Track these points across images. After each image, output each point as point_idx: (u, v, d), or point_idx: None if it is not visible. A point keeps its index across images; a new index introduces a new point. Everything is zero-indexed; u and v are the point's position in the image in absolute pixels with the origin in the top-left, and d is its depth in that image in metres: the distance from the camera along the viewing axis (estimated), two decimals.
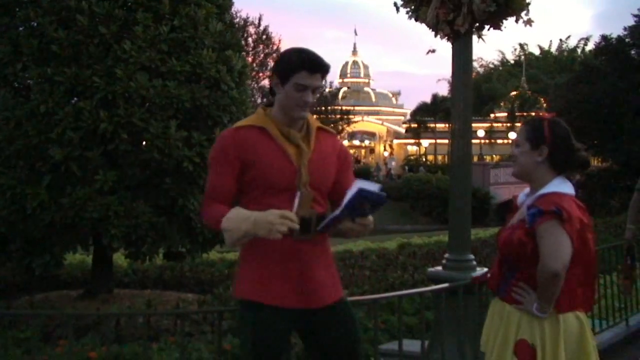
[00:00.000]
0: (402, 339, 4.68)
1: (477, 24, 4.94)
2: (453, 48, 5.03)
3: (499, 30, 5.04)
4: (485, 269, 5.17)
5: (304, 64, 2.69)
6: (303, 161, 2.72)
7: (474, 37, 5.01)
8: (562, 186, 2.90)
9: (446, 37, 5.02)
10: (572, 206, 2.83)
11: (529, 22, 4.97)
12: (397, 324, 5.04)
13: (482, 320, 4.79)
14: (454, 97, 5.17)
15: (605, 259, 6.42)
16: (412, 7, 5.13)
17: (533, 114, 50.75)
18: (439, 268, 5.11)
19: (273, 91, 2.81)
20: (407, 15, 5.17)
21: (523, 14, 4.95)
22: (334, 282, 2.85)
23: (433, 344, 4.92)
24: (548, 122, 2.96)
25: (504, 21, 4.99)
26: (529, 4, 4.91)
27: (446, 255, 5.11)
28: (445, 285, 4.71)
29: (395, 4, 5.19)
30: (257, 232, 2.54)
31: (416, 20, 5.11)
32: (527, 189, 3.07)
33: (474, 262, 5.05)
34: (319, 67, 2.73)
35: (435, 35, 5.05)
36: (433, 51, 5.45)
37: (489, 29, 5.03)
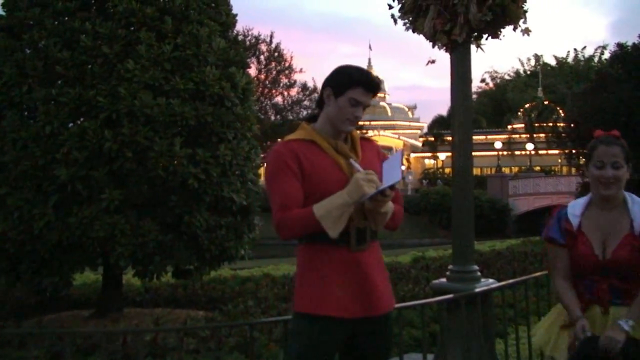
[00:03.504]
0: (409, 353, 4.61)
1: (475, 34, 4.89)
2: (451, 58, 4.97)
3: (498, 40, 4.99)
4: (491, 280, 5.10)
5: (363, 82, 2.80)
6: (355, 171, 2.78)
7: (473, 47, 4.96)
8: None
9: (444, 48, 4.96)
10: None
11: (526, 30, 4.92)
12: (404, 337, 4.97)
13: (485, 332, 4.77)
14: (453, 108, 5.10)
15: None
16: (410, 18, 5.09)
17: (550, 124, 50.46)
18: (444, 280, 5.04)
19: (320, 103, 2.89)
20: (404, 27, 5.13)
21: (521, 22, 4.88)
22: (390, 290, 2.93)
23: (438, 357, 4.84)
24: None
25: (501, 30, 4.93)
26: (526, 12, 4.86)
27: (450, 266, 5.04)
28: (447, 296, 4.63)
29: (392, 16, 5.15)
30: (354, 197, 2.64)
31: (413, 31, 5.06)
32: (574, 207, 3.00)
33: (478, 273, 4.98)
34: (375, 87, 2.85)
35: (433, 46, 4.99)
36: (433, 62, 5.39)
37: (487, 39, 4.97)
